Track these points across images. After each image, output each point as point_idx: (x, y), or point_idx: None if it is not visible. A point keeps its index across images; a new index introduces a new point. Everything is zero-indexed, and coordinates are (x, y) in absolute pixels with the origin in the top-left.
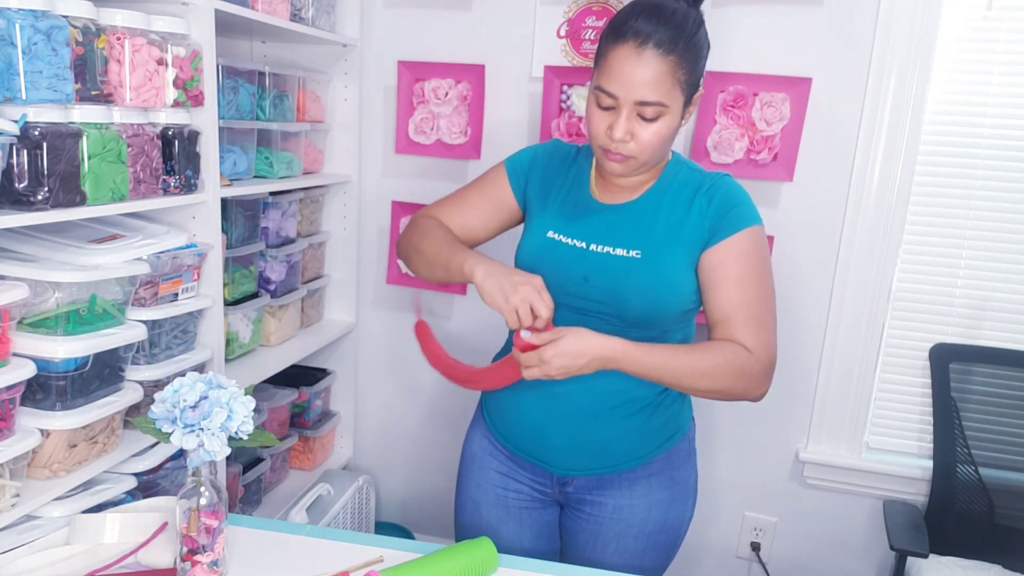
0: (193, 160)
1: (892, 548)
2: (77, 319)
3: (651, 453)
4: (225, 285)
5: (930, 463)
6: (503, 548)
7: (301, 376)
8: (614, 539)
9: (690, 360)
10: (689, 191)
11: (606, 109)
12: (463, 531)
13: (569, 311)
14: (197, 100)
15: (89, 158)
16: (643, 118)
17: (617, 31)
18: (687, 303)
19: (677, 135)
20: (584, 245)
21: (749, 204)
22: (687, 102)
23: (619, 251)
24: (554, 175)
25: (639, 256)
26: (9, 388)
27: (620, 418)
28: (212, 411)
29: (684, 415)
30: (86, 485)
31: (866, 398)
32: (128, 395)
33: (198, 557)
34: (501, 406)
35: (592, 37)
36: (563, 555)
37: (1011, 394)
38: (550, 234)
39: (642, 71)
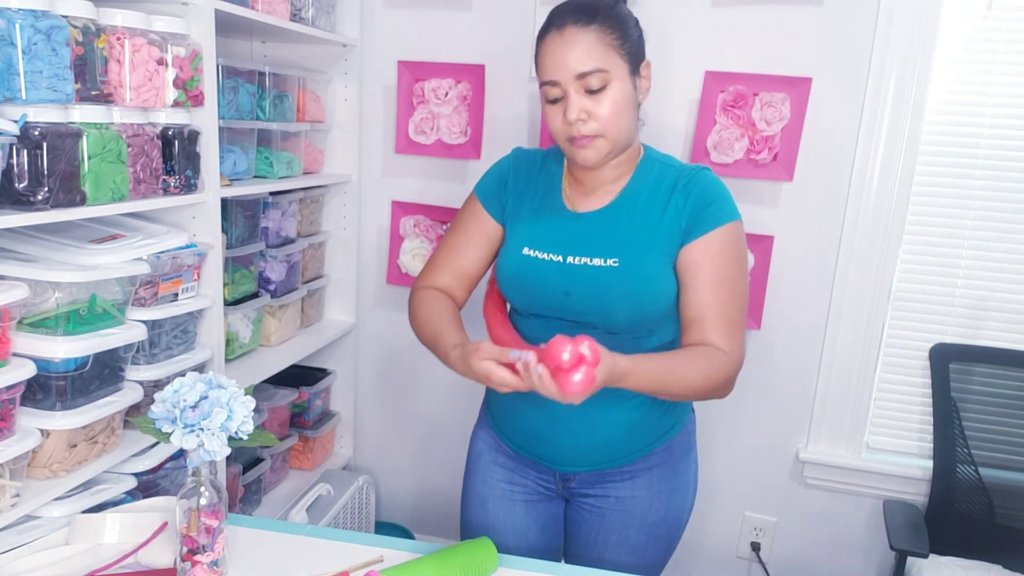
0: (193, 160)
1: (892, 548)
2: (77, 319)
3: (651, 446)
4: (225, 285)
5: (930, 463)
6: (509, 542)
7: (301, 376)
8: (616, 531)
9: (683, 373)
10: (664, 189)
11: (555, 102)
12: (469, 527)
13: (557, 322)
14: (197, 100)
15: (89, 158)
16: (591, 91)
17: (541, 33)
18: (670, 303)
19: (640, 111)
20: (561, 259)
21: (726, 200)
22: (633, 70)
23: (596, 261)
24: (523, 187)
25: (617, 264)
26: (9, 388)
27: (620, 414)
28: (212, 411)
29: (682, 408)
30: (86, 485)
31: (866, 398)
32: (128, 395)
33: (198, 557)
34: (504, 409)
35: None
36: (566, 549)
37: (1011, 394)
38: (526, 251)
39: (570, 48)
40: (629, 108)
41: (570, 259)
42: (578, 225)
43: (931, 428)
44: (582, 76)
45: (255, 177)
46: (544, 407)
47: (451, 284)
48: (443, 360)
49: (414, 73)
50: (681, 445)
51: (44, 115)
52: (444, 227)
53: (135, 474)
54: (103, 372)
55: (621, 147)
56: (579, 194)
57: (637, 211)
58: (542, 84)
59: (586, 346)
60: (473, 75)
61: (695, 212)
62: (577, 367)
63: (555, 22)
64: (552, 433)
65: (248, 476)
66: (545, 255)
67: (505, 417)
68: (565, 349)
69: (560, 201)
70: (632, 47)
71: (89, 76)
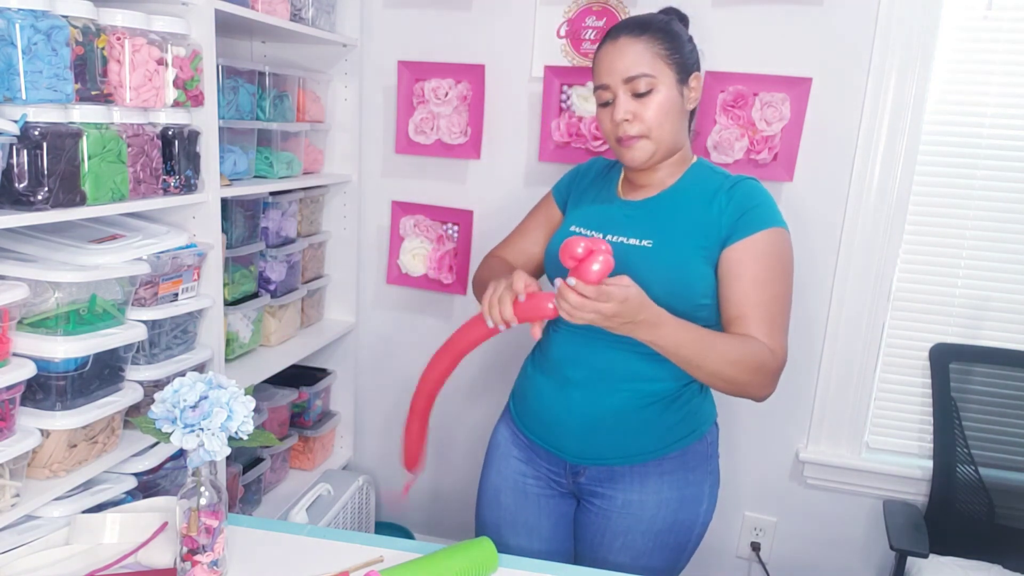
0: (193, 160)
1: (892, 548)
2: (77, 319)
3: (663, 449)
4: (225, 285)
5: (930, 463)
6: (522, 540)
7: (301, 376)
8: (621, 535)
9: (721, 344)
10: (710, 191)
11: (607, 105)
12: (483, 518)
13: None
14: (197, 100)
15: (89, 158)
16: (638, 95)
17: (599, 45)
18: (700, 298)
19: (689, 121)
20: (600, 236)
21: (771, 207)
22: (681, 79)
23: (632, 240)
24: (588, 184)
25: (651, 245)
26: (9, 388)
27: (632, 409)
28: (212, 411)
29: (703, 416)
30: (86, 485)
31: (866, 398)
32: (128, 395)
33: (198, 557)
34: (524, 394)
35: (592, 37)
36: (575, 552)
37: (1011, 394)
38: (573, 227)
39: (621, 54)
40: (674, 113)
41: (609, 237)
42: (623, 211)
43: (931, 428)
44: (629, 80)
45: (255, 177)
46: (558, 391)
47: (516, 259)
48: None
49: (414, 73)
50: (697, 455)
51: (44, 115)
52: (444, 227)
53: (135, 474)
54: (103, 372)
55: (666, 150)
56: (630, 189)
57: (680, 205)
58: (596, 89)
59: (595, 239)
60: (473, 75)
61: (738, 215)
62: (591, 256)
63: (611, 34)
64: (563, 418)
65: (248, 476)
66: (588, 231)
67: (523, 400)
68: (577, 244)
69: (614, 193)
70: (681, 59)
71: (89, 76)
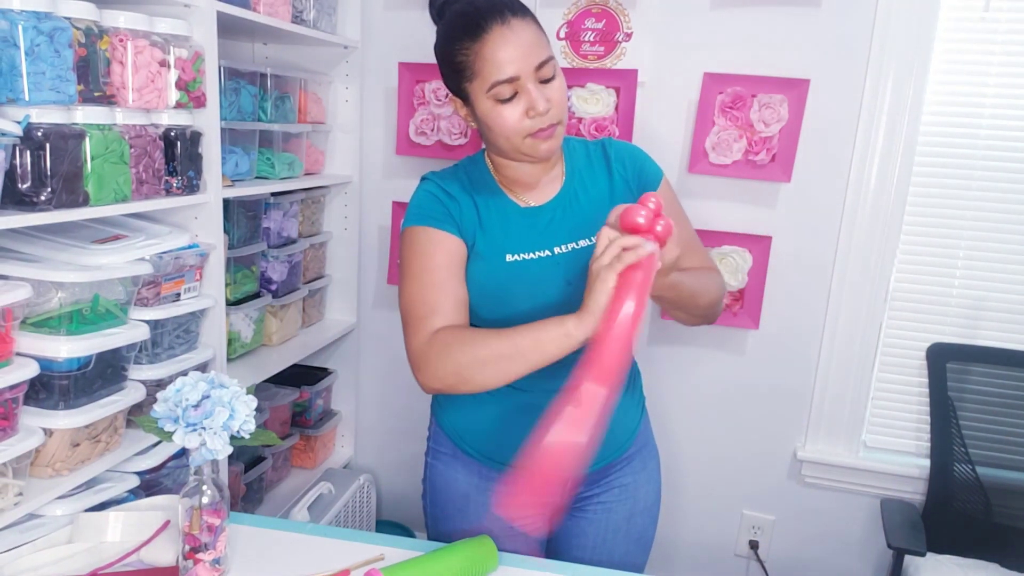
0: (195, 161)
1: (890, 547)
2: (80, 319)
3: (637, 426)
4: (227, 285)
5: (927, 462)
6: None
7: (302, 375)
8: (625, 521)
9: (709, 279)
10: (597, 162)
11: (507, 101)
12: None
13: None
14: (199, 101)
15: (92, 159)
16: (543, 81)
17: (473, 31)
18: None
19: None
20: (549, 252)
21: (647, 156)
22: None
23: (583, 243)
24: (463, 202)
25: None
26: (12, 387)
27: (622, 395)
28: (214, 410)
29: (641, 387)
30: (89, 484)
31: (864, 397)
32: (131, 394)
33: (200, 555)
34: (494, 433)
35: (591, 39)
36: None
37: (1008, 393)
38: (509, 257)
39: (522, 40)
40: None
41: (557, 249)
42: (546, 217)
43: (928, 427)
44: (540, 67)
45: (257, 178)
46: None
47: (459, 314)
48: (548, 342)
49: (415, 74)
50: (647, 419)
51: (47, 116)
52: None
53: (137, 473)
54: (106, 371)
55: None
56: (524, 191)
57: (587, 189)
58: (496, 84)
59: (652, 200)
60: None
61: (638, 174)
62: (657, 218)
63: (494, 17)
64: None
65: (250, 475)
66: (532, 255)
67: (497, 442)
68: (638, 213)
69: (511, 202)
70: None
71: (92, 77)
